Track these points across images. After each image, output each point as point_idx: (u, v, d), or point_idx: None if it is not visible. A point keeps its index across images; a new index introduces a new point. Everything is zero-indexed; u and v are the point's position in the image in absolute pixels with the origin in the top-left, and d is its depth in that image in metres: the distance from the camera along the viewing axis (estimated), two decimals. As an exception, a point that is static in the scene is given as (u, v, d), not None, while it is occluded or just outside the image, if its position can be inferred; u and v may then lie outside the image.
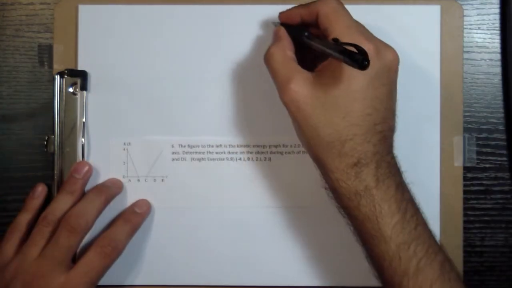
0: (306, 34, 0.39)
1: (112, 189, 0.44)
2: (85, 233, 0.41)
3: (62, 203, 0.42)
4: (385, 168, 0.36)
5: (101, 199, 0.43)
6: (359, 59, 0.31)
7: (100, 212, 0.42)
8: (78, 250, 0.42)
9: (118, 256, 0.41)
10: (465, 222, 0.45)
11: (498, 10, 0.45)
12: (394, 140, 0.38)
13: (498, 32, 0.45)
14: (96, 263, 0.40)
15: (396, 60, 0.37)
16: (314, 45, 0.37)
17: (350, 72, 0.35)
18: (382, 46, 0.37)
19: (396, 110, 0.38)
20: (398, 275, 0.36)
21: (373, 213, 0.36)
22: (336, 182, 0.37)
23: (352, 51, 0.32)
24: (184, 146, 0.45)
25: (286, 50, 0.39)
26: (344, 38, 0.35)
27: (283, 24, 0.41)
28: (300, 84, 0.36)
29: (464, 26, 0.45)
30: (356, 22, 0.38)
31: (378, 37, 0.37)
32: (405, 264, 0.35)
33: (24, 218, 0.43)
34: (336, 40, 0.35)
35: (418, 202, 0.38)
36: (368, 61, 0.31)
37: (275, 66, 0.38)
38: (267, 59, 0.39)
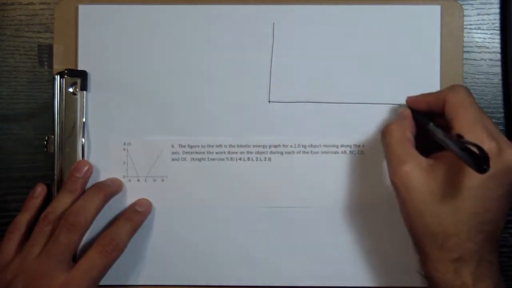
0: (431, 124, 0.38)
1: (111, 187, 0.44)
2: (85, 231, 0.41)
3: (62, 202, 0.42)
4: (486, 268, 0.35)
5: (100, 197, 0.42)
6: (479, 163, 0.30)
7: (99, 209, 0.42)
8: (79, 249, 0.42)
9: (119, 255, 0.41)
10: (465, 222, 0.45)
11: (498, 10, 0.45)
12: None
13: (498, 32, 0.45)
14: (97, 261, 0.40)
15: None
16: (437, 136, 0.37)
17: (467, 169, 0.34)
18: (505, 145, 0.35)
19: None
20: None
21: None
22: (434, 272, 0.36)
23: (473, 152, 0.31)
24: (184, 146, 0.45)
25: (406, 130, 0.38)
26: (467, 134, 0.35)
27: (409, 107, 0.41)
28: (414, 168, 0.36)
29: (464, 26, 0.45)
30: (482, 115, 0.37)
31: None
32: None
33: (23, 218, 0.43)
34: (459, 136, 0.34)
35: None
36: (488, 165, 0.30)
37: (392, 144, 0.38)
38: (385, 134, 0.39)
